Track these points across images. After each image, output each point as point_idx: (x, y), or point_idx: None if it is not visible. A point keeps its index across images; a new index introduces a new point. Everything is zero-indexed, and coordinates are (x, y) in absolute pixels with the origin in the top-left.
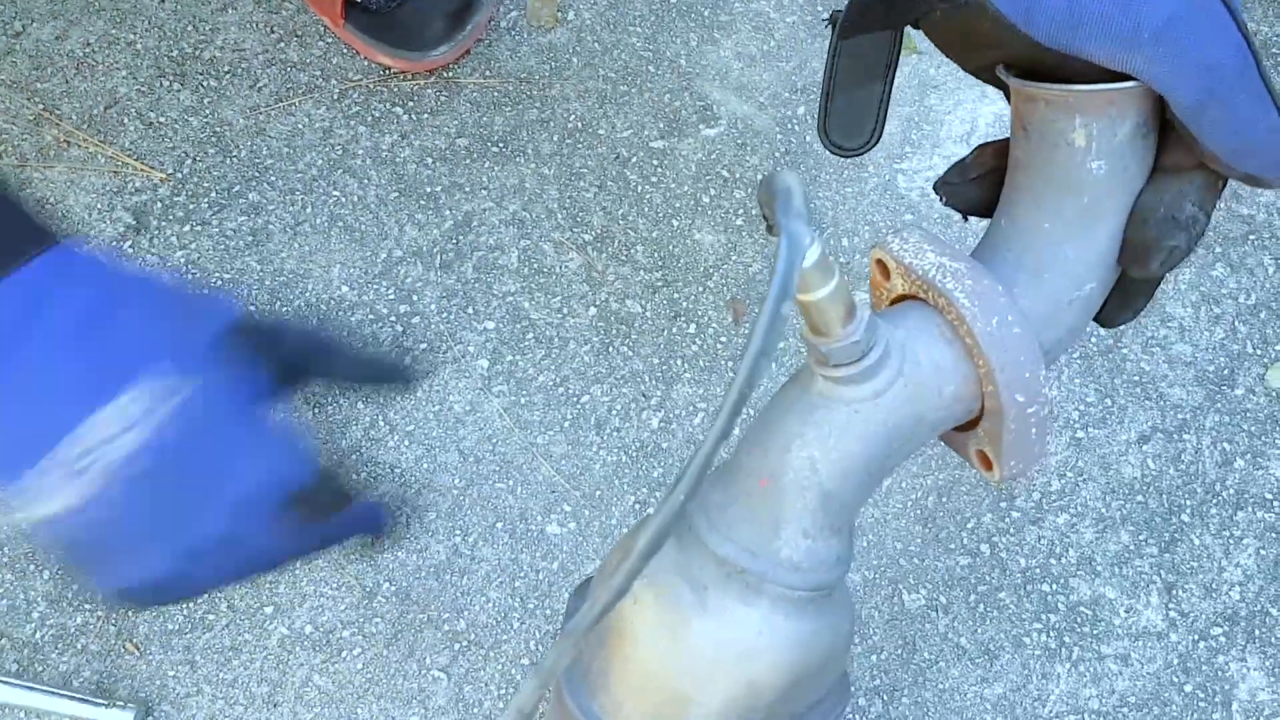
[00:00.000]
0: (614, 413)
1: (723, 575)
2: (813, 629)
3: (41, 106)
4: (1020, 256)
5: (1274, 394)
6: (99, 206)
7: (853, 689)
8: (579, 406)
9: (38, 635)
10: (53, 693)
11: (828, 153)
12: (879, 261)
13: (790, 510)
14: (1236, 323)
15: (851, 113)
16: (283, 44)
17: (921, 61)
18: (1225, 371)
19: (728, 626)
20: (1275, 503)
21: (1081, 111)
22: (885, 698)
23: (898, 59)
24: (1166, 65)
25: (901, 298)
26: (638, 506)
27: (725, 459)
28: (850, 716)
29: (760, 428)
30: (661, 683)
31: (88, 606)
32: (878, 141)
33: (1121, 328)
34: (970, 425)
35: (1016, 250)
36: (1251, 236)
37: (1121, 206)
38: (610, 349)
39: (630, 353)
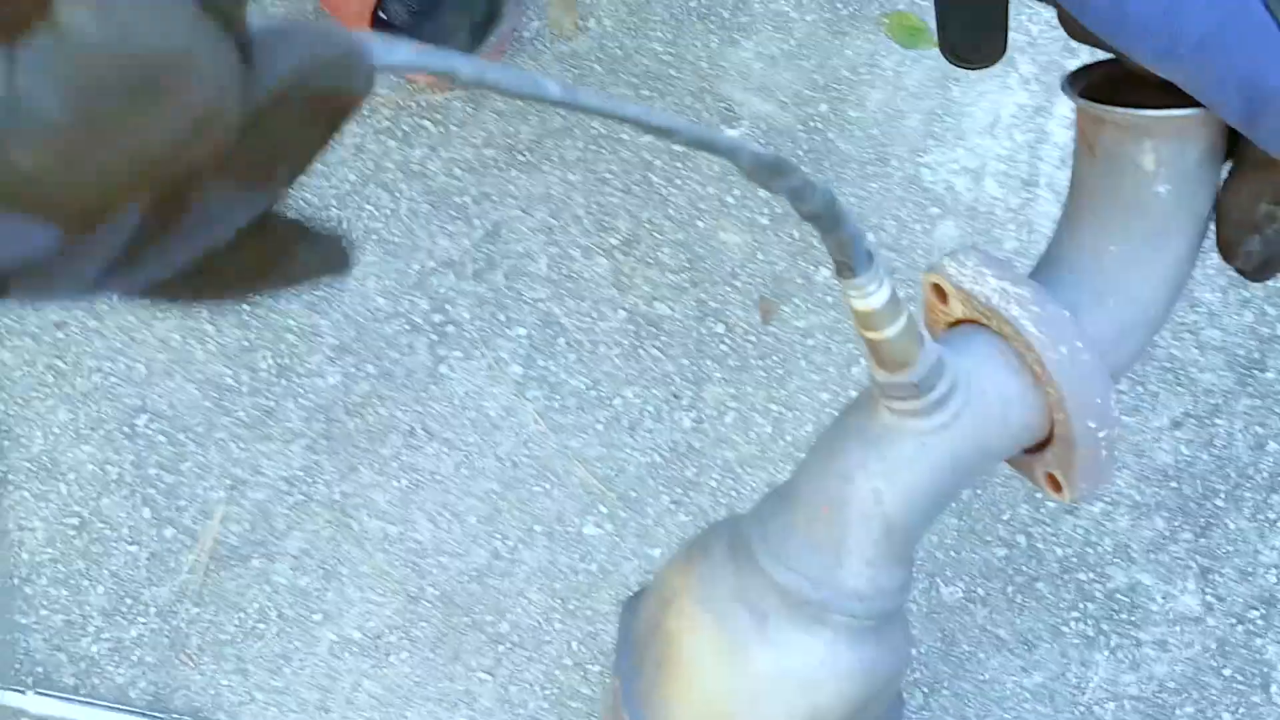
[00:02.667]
0: (646, 414)
1: (784, 604)
2: (875, 655)
3: None
4: (1085, 278)
5: None
6: None
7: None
8: (611, 409)
9: (94, 649)
10: (111, 707)
11: (851, 150)
12: (935, 285)
13: (854, 540)
14: (1266, 306)
15: (972, 24)
16: None
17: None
18: (1256, 355)
19: (790, 656)
20: None
21: (1150, 135)
22: (926, 690)
23: None
24: (1208, 79)
25: (959, 321)
26: (673, 506)
27: (784, 483)
28: None
29: (822, 455)
30: (721, 710)
31: (142, 620)
32: (1003, 53)
33: None
34: (1037, 448)
35: (1080, 272)
36: None
37: (1188, 228)
38: (640, 351)
39: (660, 354)
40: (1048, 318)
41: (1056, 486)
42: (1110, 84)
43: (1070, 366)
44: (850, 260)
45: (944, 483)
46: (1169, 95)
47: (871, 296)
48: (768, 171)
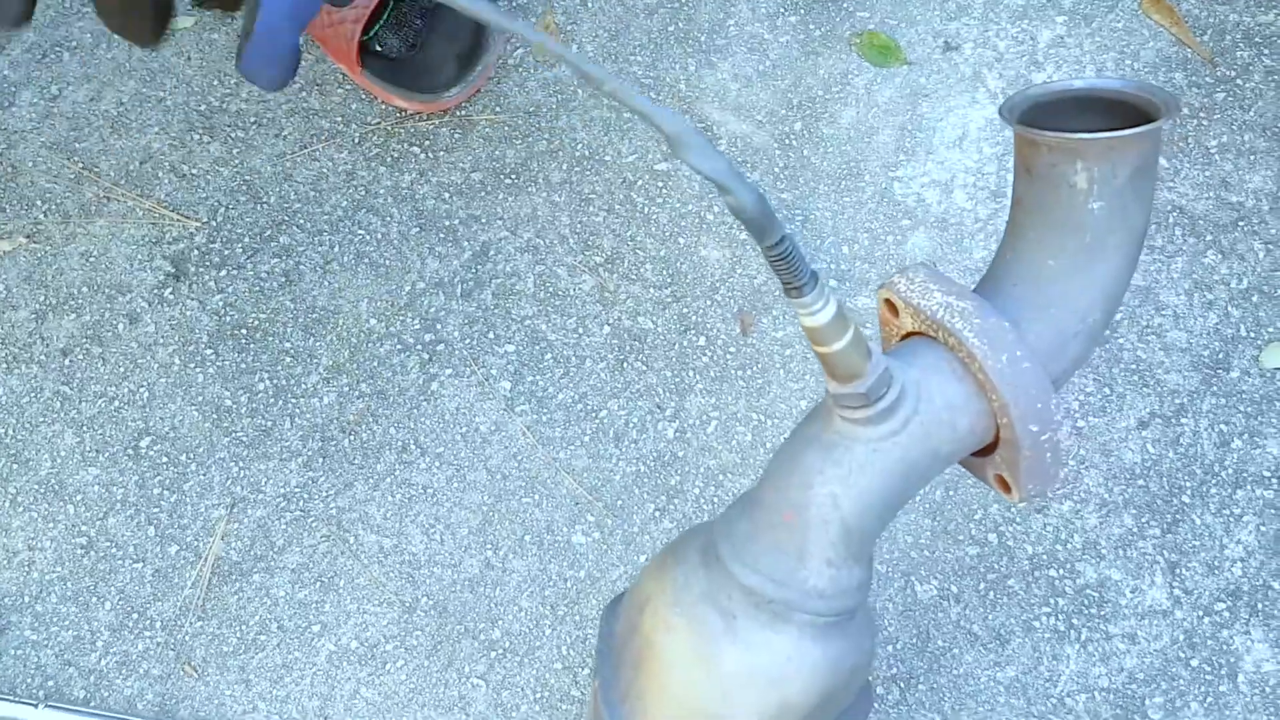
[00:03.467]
0: (631, 425)
1: (751, 604)
2: (839, 650)
3: (81, 165)
4: (1026, 292)
5: (1268, 375)
6: (139, 256)
7: (871, 681)
8: (598, 421)
9: (102, 663)
10: (119, 718)
11: (825, 166)
12: (887, 301)
13: (814, 543)
14: (1229, 307)
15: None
16: (304, 93)
17: (912, 71)
18: (1220, 355)
19: (758, 653)
20: (1273, 480)
21: (1082, 156)
22: (902, 685)
23: None
24: None
25: (911, 334)
26: (657, 513)
27: (749, 491)
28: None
29: (782, 463)
30: (695, 707)
31: (148, 634)
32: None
33: (1116, 318)
34: (986, 451)
35: (1022, 285)
36: (1241, 223)
37: (1123, 242)
38: (625, 365)
39: (644, 367)
40: (988, 329)
41: (1006, 487)
42: (1045, 109)
43: (1011, 374)
44: (795, 280)
45: (896, 486)
46: (1101, 117)
47: (819, 314)
48: (685, 145)
